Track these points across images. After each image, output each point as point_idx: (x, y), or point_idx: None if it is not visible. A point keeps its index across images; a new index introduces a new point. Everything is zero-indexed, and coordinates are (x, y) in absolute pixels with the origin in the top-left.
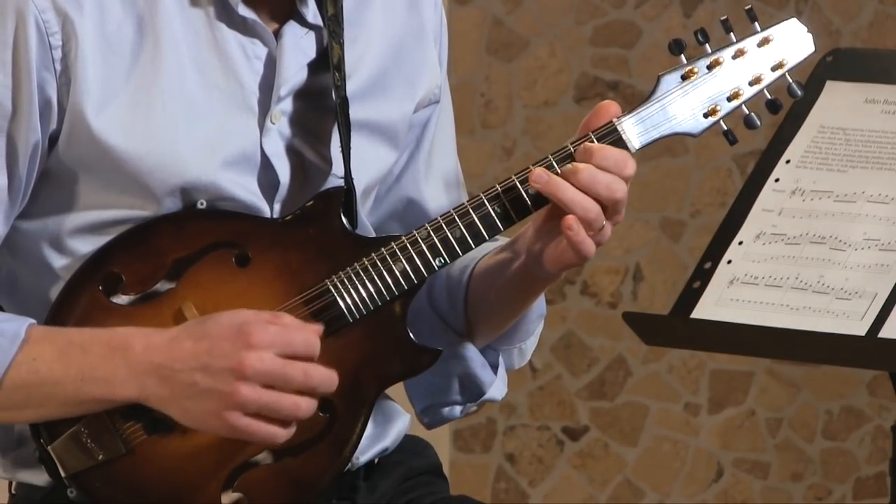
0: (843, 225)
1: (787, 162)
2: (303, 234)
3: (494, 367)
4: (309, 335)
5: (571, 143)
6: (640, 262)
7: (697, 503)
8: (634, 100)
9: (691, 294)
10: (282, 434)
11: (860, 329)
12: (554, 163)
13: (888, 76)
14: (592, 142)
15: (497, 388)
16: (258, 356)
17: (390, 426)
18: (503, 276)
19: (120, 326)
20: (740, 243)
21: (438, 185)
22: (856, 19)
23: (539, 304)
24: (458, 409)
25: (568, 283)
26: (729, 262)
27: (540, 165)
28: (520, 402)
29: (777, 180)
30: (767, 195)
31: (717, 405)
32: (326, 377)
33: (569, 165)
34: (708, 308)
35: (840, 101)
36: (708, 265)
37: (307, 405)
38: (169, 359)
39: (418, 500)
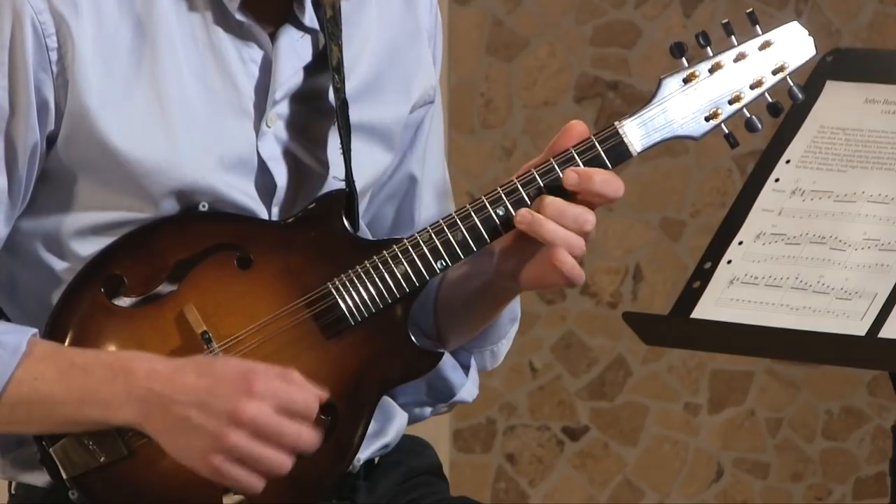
0: (843, 225)
1: (787, 162)
2: (304, 236)
3: (466, 369)
4: (310, 397)
5: (556, 160)
6: (640, 262)
7: (697, 503)
8: (634, 100)
9: (691, 294)
10: (259, 487)
11: (860, 329)
12: (539, 179)
13: (888, 76)
14: (594, 147)
15: (468, 389)
16: (257, 406)
17: (390, 423)
18: (470, 287)
19: (122, 330)
20: (740, 243)
21: (430, 185)
22: (856, 19)
23: (512, 308)
24: (427, 409)
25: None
26: (729, 262)
27: (525, 179)
28: (520, 402)
29: (777, 180)
30: (767, 195)
31: (717, 405)
32: (316, 443)
33: (538, 200)
34: (708, 308)
35: (840, 101)
36: (708, 265)
37: (290, 464)
38: (169, 388)
39: (418, 500)
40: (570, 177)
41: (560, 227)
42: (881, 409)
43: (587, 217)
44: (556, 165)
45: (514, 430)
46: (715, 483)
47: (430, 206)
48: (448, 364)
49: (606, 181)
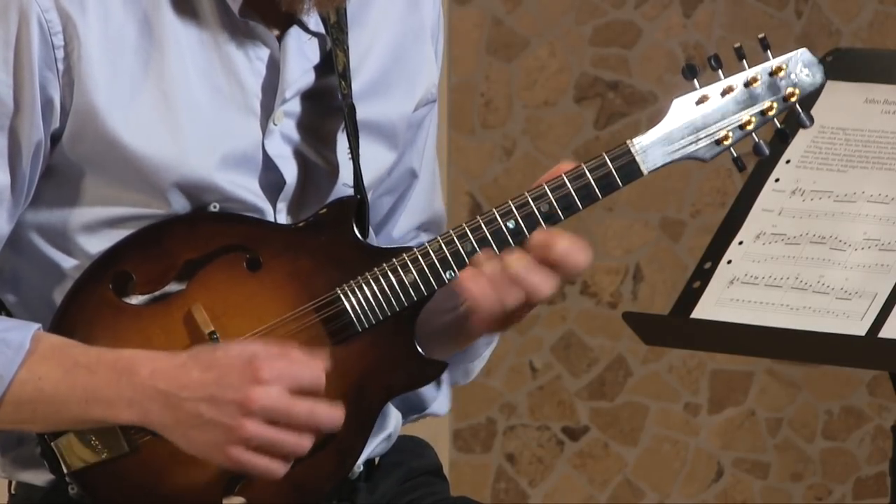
0: (843, 225)
1: (788, 162)
2: (315, 241)
3: (438, 383)
4: (316, 370)
5: (567, 175)
6: (640, 262)
7: (697, 503)
8: (634, 100)
9: (691, 294)
10: (282, 470)
11: (860, 329)
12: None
13: (888, 76)
14: (606, 164)
15: (440, 403)
16: (265, 392)
17: (388, 418)
18: (437, 322)
19: (129, 328)
20: (740, 243)
21: (423, 179)
22: (856, 19)
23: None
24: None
25: (568, 282)
26: (729, 262)
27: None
28: (520, 402)
29: (777, 180)
30: (767, 195)
31: (717, 405)
32: (331, 415)
33: (506, 258)
34: (708, 308)
35: (840, 101)
36: (708, 265)
37: (309, 442)
38: (175, 386)
39: (418, 500)
40: (534, 238)
41: (494, 287)
42: (881, 409)
43: (549, 285)
44: (567, 180)
45: (514, 430)
46: (715, 483)
47: (420, 199)
48: None
49: (570, 250)
